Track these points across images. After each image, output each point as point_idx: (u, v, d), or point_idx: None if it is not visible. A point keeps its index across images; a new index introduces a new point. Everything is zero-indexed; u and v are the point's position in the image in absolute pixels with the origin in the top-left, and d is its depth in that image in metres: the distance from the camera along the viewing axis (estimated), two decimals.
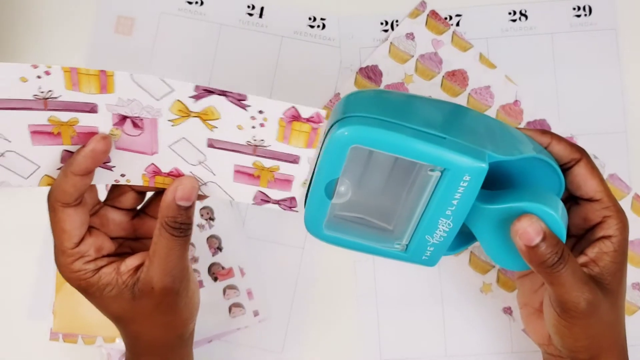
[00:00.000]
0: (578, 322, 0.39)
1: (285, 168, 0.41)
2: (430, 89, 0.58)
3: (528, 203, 0.38)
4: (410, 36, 0.58)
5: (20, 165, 0.39)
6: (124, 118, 0.38)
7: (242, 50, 0.59)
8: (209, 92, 0.37)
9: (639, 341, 0.52)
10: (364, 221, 0.44)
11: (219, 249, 0.57)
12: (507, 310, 0.56)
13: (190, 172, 0.41)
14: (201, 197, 0.42)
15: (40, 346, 0.56)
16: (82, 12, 0.59)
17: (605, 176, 0.57)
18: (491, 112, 0.58)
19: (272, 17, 0.59)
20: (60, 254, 0.40)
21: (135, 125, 0.39)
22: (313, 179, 0.40)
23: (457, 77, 0.58)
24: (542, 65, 0.58)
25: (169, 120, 0.38)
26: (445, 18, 0.58)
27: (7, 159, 0.38)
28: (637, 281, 0.56)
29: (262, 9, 0.59)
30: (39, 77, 0.35)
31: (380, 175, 0.42)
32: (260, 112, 0.38)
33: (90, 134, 0.38)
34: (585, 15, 0.58)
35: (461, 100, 0.58)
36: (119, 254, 0.42)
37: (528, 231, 0.37)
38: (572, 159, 0.41)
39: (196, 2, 0.59)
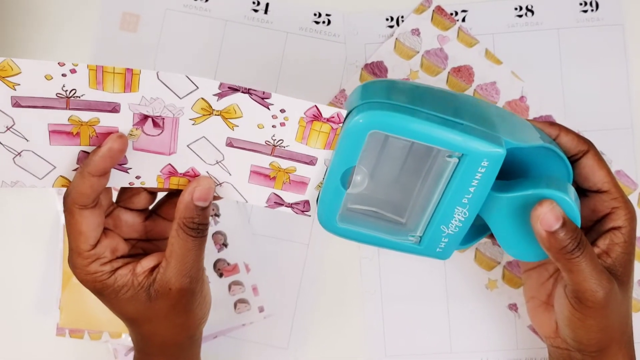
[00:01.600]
0: (593, 314, 0.39)
1: (301, 170, 0.40)
2: (435, 85, 0.58)
3: (545, 190, 0.38)
4: (415, 32, 0.58)
5: (35, 165, 0.39)
6: (145, 118, 0.38)
7: (247, 47, 0.59)
8: (234, 89, 0.37)
9: None
10: (376, 215, 0.43)
11: (225, 245, 0.57)
12: (513, 307, 0.56)
13: (207, 172, 0.41)
14: (215, 198, 0.42)
15: (46, 341, 0.57)
16: (87, 9, 0.59)
17: None
18: None
19: (277, 13, 0.59)
20: (76, 256, 0.40)
21: (155, 124, 0.38)
22: (329, 169, 0.39)
23: (463, 73, 0.58)
24: (548, 61, 0.58)
25: (190, 119, 0.38)
26: (451, 14, 0.58)
27: (24, 158, 0.38)
28: None
29: (267, 5, 0.59)
30: (64, 75, 0.35)
31: (395, 164, 0.42)
32: (282, 110, 0.38)
33: (109, 135, 0.38)
34: (592, 10, 0.58)
35: None
36: (132, 256, 0.42)
37: (548, 216, 0.37)
38: (580, 150, 0.42)
39: None
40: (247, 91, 0.37)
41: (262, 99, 0.37)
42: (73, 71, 0.35)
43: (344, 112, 0.37)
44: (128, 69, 0.35)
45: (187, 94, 0.37)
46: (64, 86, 0.35)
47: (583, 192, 0.43)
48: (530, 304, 0.46)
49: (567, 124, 0.57)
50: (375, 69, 0.58)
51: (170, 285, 0.40)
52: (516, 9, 0.58)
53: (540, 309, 0.45)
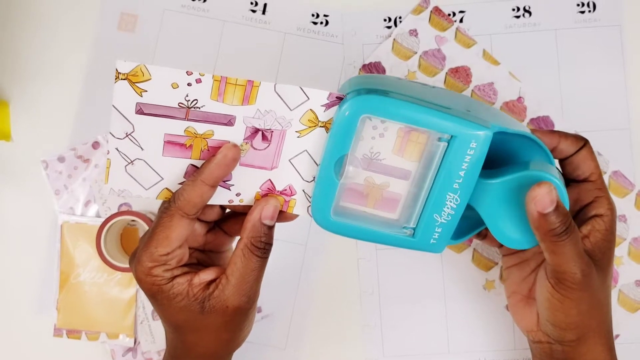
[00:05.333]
0: (571, 295, 0.40)
1: (393, 185, 0.41)
2: (433, 85, 0.58)
3: (540, 172, 0.39)
4: (413, 33, 0.58)
5: (145, 175, 0.39)
6: (255, 131, 0.38)
7: (245, 47, 0.59)
8: (340, 98, 0.38)
9: None
10: (368, 214, 0.43)
11: None
12: None
13: (303, 191, 0.42)
14: (292, 217, 0.43)
15: (44, 342, 0.57)
16: (85, 9, 0.59)
17: (609, 173, 0.57)
18: None
19: (275, 13, 0.59)
20: (147, 256, 0.39)
21: (264, 138, 0.39)
22: (322, 158, 0.40)
23: (461, 74, 0.58)
24: (546, 62, 0.58)
25: (296, 131, 0.39)
26: (449, 14, 0.58)
27: (135, 167, 0.38)
28: None
29: (265, 5, 0.59)
30: (189, 84, 0.35)
31: (389, 174, 0.42)
32: (383, 121, 0.39)
33: (219, 149, 0.39)
34: (590, 11, 0.58)
35: None
36: (187, 265, 0.42)
37: (545, 199, 0.38)
38: (577, 147, 0.43)
39: None
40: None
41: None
42: (199, 81, 0.35)
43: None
44: (249, 80, 0.36)
45: (298, 106, 0.37)
46: (187, 95, 0.36)
47: (567, 182, 0.44)
48: (512, 299, 0.47)
49: (565, 125, 0.57)
50: (373, 69, 0.58)
51: (228, 304, 0.40)
52: (514, 9, 0.58)
53: (521, 304, 0.46)
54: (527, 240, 0.41)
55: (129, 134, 0.37)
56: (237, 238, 0.42)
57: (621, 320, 0.55)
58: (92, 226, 0.56)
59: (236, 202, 0.42)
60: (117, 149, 0.37)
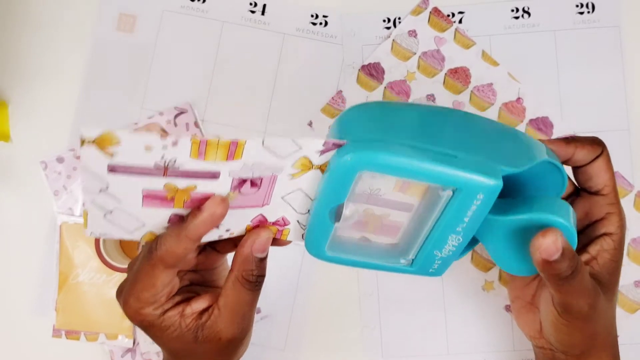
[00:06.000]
0: (578, 323, 0.39)
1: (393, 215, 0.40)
2: (432, 86, 0.58)
3: (547, 215, 0.37)
4: (412, 33, 0.58)
5: (126, 222, 0.37)
6: (243, 181, 0.36)
7: (245, 48, 0.59)
8: (338, 145, 0.35)
9: None
10: (367, 240, 0.42)
11: None
12: (509, 308, 0.56)
13: (297, 221, 0.40)
14: (286, 243, 0.41)
15: (43, 343, 0.56)
16: (84, 10, 0.59)
17: None
18: (494, 110, 0.57)
19: (274, 14, 0.59)
20: (133, 299, 0.38)
21: (253, 185, 0.36)
22: (315, 205, 0.38)
23: (460, 75, 0.58)
24: (544, 63, 0.58)
25: (288, 174, 0.36)
26: (448, 15, 0.58)
27: (114, 215, 0.36)
28: None
29: (264, 6, 0.59)
30: (164, 147, 0.32)
31: (389, 206, 0.40)
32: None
33: (204, 199, 0.36)
34: (588, 12, 0.58)
35: (463, 97, 0.58)
36: (180, 288, 0.41)
37: (550, 248, 0.36)
38: (593, 156, 0.41)
39: (198, 0, 0.59)
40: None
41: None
42: (175, 143, 0.32)
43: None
44: (233, 141, 0.33)
45: (289, 155, 0.35)
46: (163, 156, 0.33)
47: (577, 193, 0.42)
48: (515, 304, 0.46)
49: (564, 126, 0.57)
50: (372, 70, 0.58)
51: (221, 335, 0.39)
52: (513, 10, 0.58)
53: (524, 310, 0.45)
54: (529, 269, 0.39)
55: (104, 190, 0.34)
56: (231, 253, 0.41)
57: (620, 321, 0.55)
58: None
59: (226, 236, 0.39)
60: (92, 201, 0.35)
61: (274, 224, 0.40)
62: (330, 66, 0.58)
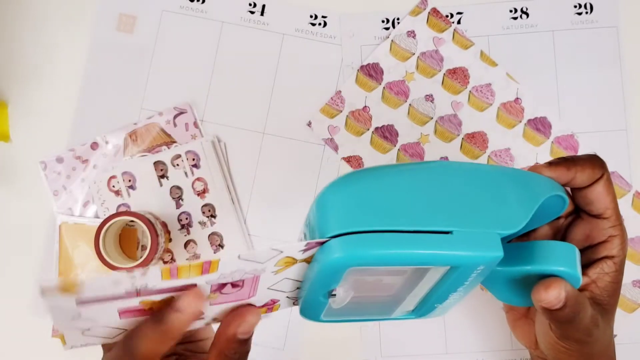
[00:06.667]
0: (575, 346, 0.39)
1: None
2: (431, 86, 0.58)
3: (550, 267, 0.36)
4: (411, 34, 0.58)
5: (105, 332, 0.36)
6: (223, 285, 0.34)
7: (244, 48, 0.59)
8: (320, 243, 0.33)
9: None
10: (362, 299, 0.40)
11: (221, 246, 0.57)
12: None
13: (287, 297, 0.38)
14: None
15: (42, 343, 0.56)
16: (84, 10, 0.59)
17: None
18: (492, 110, 0.58)
19: (273, 14, 0.59)
20: None
21: (234, 286, 0.35)
22: (306, 289, 0.36)
23: (458, 75, 0.58)
24: (543, 63, 0.58)
25: (272, 272, 0.35)
26: (447, 16, 0.58)
27: (92, 331, 0.35)
28: (639, 279, 0.56)
29: (263, 6, 0.59)
30: (133, 277, 0.31)
31: (381, 274, 0.38)
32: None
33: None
34: (587, 12, 0.58)
35: (462, 97, 0.58)
36: None
37: (553, 301, 0.35)
38: (593, 179, 0.39)
39: (197, 0, 0.59)
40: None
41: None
42: (143, 274, 0.31)
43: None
44: (206, 261, 0.32)
45: (270, 259, 0.33)
46: (133, 284, 0.32)
47: (578, 214, 0.41)
48: (510, 315, 0.45)
49: (562, 126, 0.57)
50: (371, 70, 0.58)
51: None
52: (511, 11, 0.59)
53: (520, 322, 0.44)
54: (530, 302, 0.38)
55: (76, 318, 0.33)
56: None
57: (618, 320, 0.55)
58: (91, 227, 0.56)
59: (213, 323, 0.38)
60: (66, 328, 0.34)
61: (263, 306, 0.38)
62: (329, 66, 0.59)
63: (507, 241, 0.41)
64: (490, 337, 0.56)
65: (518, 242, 0.38)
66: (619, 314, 0.56)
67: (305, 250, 0.33)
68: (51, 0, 0.60)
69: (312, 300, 0.36)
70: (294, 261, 0.34)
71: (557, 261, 0.36)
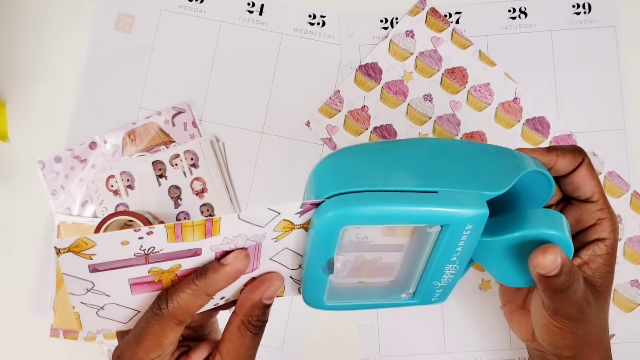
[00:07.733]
0: (568, 326, 0.39)
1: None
2: (429, 86, 0.58)
3: (540, 230, 0.37)
4: (409, 34, 0.58)
5: (119, 313, 0.37)
6: (227, 252, 0.36)
7: (242, 48, 0.59)
8: (316, 205, 0.35)
9: (639, 337, 0.52)
10: (364, 283, 0.42)
11: None
12: None
13: (290, 277, 0.40)
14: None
15: (40, 342, 0.56)
16: (82, 10, 0.59)
17: (604, 174, 0.57)
18: (491, 110, 0.58)
19: (272, 14, 0.59)
20: (133, 356, 0.37)
21: None
22: (306, 261, 0.38)
23: (457, 75, 0.58)
24: (541, 63, 0.58)
25: (272, 239, 0.37)
26: (445, 15, 0.58)
27: (106, 310, 0.37)
28: (637, 278, 0.56)
29: (262, 6, 0.59)
30: (140, 238, 0.33)
31: (379, 250, 0.40)
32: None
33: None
34: (585, 12, 0.58)
35: (460, 97, 0.58)
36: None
37: (550, 266, 0.36)
38: (575, 165, 0.41)
39: (196, 0, 0.59)
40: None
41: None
42: (150, 233, 0.33)
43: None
44: (208, 218, 0.34)
45: (269, 222, 0.35)
46: (141, 246, 0.34)
47: (568, 200, 0.43)
48: (506, 308, 0.46)
49: (560, 126, 0.57)
50: (370, 70, 0.58)
51: None
52: (509, 10, 0.59)
53: (516, 314, 0.45)
54: (527, 281, 0.40)
55: (90, 289, 0.35)
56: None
57: (616, 319, 0.56)
58: (89, 226, 0.56)
59: (221, 304, 0.40)
60: (81, 302, 0.36)
61: None
62: (328, 66, 0.59)
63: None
64: (488, 336, 0.56)
65: (507, 215, 0.39)
66: (617, 313, 0.56)
67: (302, 213, 0.35)
68: (50, 0, 0.60)
69: (313, 277, 0.38)
70: (293, 226, 0.36)
71: (546, 224, 0.37)
